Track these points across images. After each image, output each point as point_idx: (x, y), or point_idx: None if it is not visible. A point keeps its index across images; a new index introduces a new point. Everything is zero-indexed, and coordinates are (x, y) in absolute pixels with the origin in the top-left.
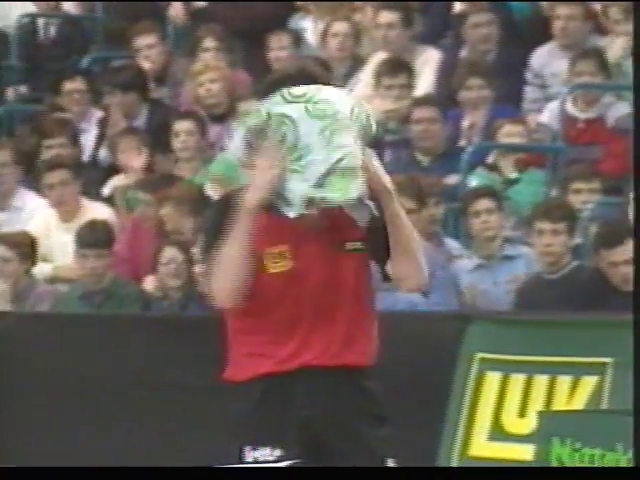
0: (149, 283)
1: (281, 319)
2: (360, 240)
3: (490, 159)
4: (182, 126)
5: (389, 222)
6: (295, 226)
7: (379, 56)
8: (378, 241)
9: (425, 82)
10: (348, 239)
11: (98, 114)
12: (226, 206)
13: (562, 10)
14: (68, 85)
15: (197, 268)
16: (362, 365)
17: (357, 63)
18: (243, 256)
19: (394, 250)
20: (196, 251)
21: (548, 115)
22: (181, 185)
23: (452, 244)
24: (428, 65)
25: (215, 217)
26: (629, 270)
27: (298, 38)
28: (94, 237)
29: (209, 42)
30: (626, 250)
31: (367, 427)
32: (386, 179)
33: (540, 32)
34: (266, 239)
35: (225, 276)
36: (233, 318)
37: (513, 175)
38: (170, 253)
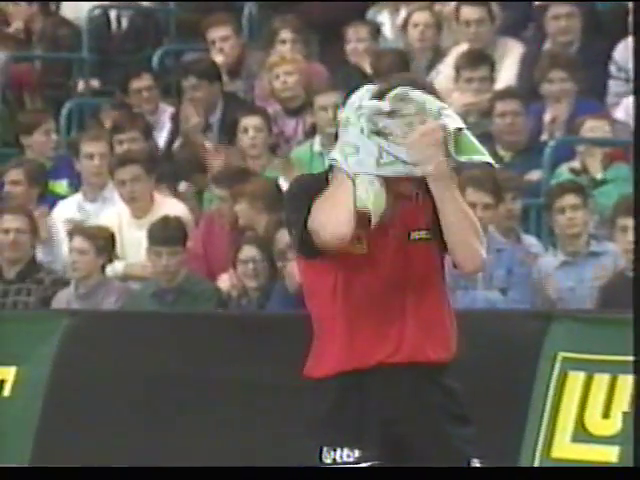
0: (224, 281)
1: (359, 306)
2: (426, 229)
3: (575, 157)
4: (249, 122)
5: (437, 204)
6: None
7: (460, 48)
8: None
9: (506, 75)
10: (413, 229)
11: (170, 109)
12: (307, 193)
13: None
14: (135, 83)
15: (278, 264)
16: (441, 361)
17: (438, 55)
18: (350, 202)
19: (446, 234)
20: (277, 248)
21: (624, 111)
22: (256, 180)
23: (531, 241)
24: (509, 57)
25: (300, 205)
26: None
27: (376, 30)
28: (167, 234)
29: (285, 34)
30: None
31: (450, 427)
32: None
33: (624, 24)
34: None
35: (334, 210)
36: (313, 299)
37: (599, 175)
38: (249, 252)
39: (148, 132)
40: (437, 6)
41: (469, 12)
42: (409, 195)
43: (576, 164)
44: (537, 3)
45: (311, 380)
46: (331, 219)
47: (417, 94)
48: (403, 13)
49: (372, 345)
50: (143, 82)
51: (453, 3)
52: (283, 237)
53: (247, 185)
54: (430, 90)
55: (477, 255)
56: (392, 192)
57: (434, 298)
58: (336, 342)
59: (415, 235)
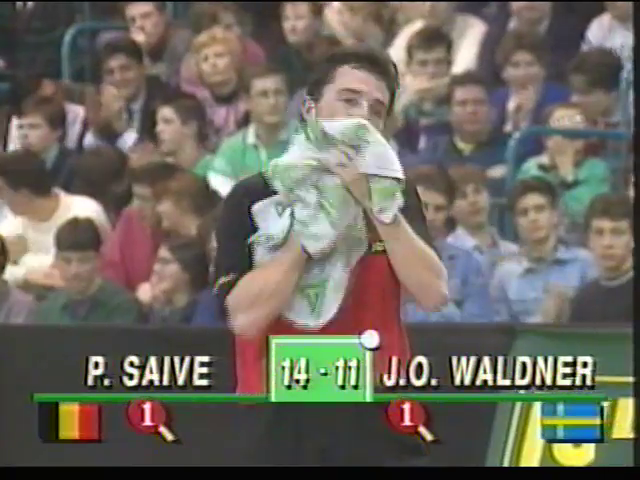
0: (145, 291)
1: None
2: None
3: (544, 151)
4: (166, 112)
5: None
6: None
7: (413, 26)
8: None
9: (465, 57)
10: (374, 239)
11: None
12: (241, 202)
13: None
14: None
15: (210, 270)
16: None
17: (387, 35)
18: (286, 288)
19: (397, 274)
20: (209, 251)
21: None
22: (181, 177)
23: (509, 247)
24: (469, 37)
25: (231, 216)
26: None
27: (317, 6)
28: (77, 237)
29: (215, 10)
30: None
31: (398, 458)
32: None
33: (597, 2)
34: None
35: (257, 305)
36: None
37: (570, 177)
38: (170, 254)
39: (56, 120)
40: None
41: None
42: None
43: (545, 159)
44: None
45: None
46: (249, 316)
47: (333, 126)
48: None
49: None
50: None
51: None
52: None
53: (171, 182)
54: (388, 66)
55: (435, 292)
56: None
57: (389, 314)
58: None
59: (376, 246)
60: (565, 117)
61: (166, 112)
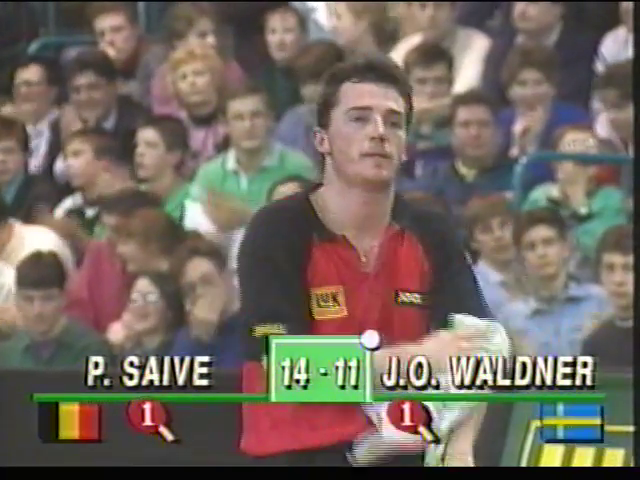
0: (115, 332)
1: None
2: (420, 293)
3: (553, 177)
4: (143, 135)
5: None
6: (351, 264)
7: (410, 40)
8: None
9: (468, 75)
10: (404, 289)
11: (51, 116)
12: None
13: None
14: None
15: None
16: None
17: (382, 49)
18: None
19: None
20: (184, 283)
21: (604, 125)
22: (147, 215)
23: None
24: (472, 53)
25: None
26: None
27: (304, 18)
28: (39, 273)
29: (191, 13)
30: None
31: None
32: None
33: (612, 12)
34: (317, 274)
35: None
36: (255, 379)
37: (584, 210)
38: (143, 286)
39: (25, 141)
40: None
41: None
42: (393, 234)
43: (554, 191)
44: None
45: (249, 457)
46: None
47: None
48: None
49: (333, 421)
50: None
51: None
52: (194, 267)
53: (134, 220)
54: (392, 70)
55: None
56: (369, 229)
57: None
58: (286, 414)
59: (406, 297)
60: (577, 141)
61: (150, 135)
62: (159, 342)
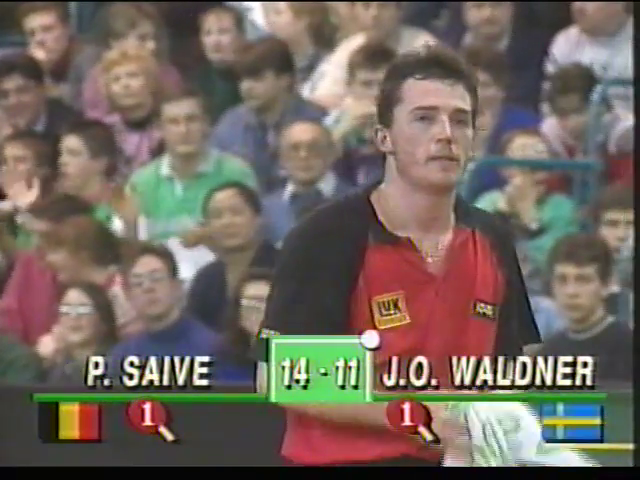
0: (46, 344)
1: None
2: (492, 304)
3: (502, 185)
4: (68, 142)
5: None
6: (415, 266)
7: (353, 41)
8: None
9: None
10: (481, 299)
11: None
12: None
13: None
14: None
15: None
16: None
17: (322, 50)
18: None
19: None
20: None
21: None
22: (78, 221)
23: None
24: None
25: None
26: None
27: (241, 18)
28: None
29: (133, 14)
30: None
31: None
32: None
33: (563, 10)
34: (375, 280)
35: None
36: None
37: (534, 225)
38: (74, 297)
39: None
40: None
41: None
42: (463, 237)
43: (502, 202)
44: None
45: (292, 464)
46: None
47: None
48: None
49: (394, 433)
50: None
51: None
52: (144, 263)
53: (65, 227)
54: (459, 64)
55: None
56: (434, 231)
57: None
58: (339, 428)
59: (480, 308)
60: (527, 146)
61: (73, 142)
62: (92, 355)
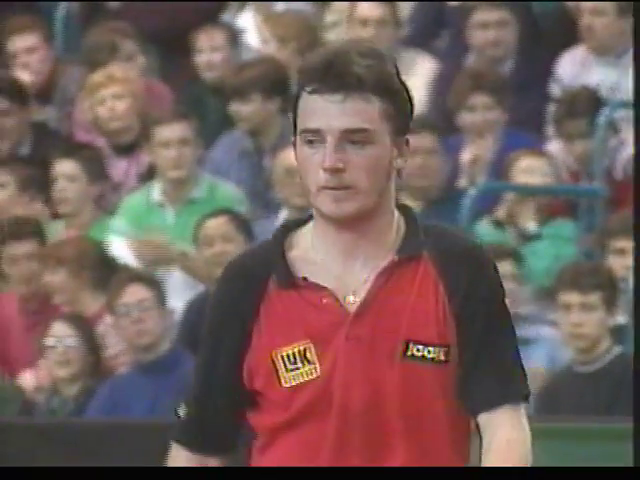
0: (29, 378)
1: (311, 444)
2: (438, 345)
3: (501, 208)
4: (61, 168)
5: None
6: (322, 309)
7: None
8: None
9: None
10: (412, 339)
11: None
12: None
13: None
14: None
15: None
16: None
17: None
18: None
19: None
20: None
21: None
22: (79, 241)
23: None
24: (416, 76)
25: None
26: None
27: (235, 35)
28: None
29: (112, 38)
30: None
31: None
32: None
33: (569, 29)
34: (275, 330)
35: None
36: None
37: (532, 228)
38: (61, 330)
39: None
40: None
41: (368, 7)
42: (390, 266)
43: (500, 212)
44: (453, 4)
45: None
46: None
47: None
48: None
49: None
50: None
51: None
52: (132, 292)
53: (65, 247)
54: (364, 71)
55: None
56: (354, 266)
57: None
58: None
59: (415, 350)
60: (532, 168)
61: (69, 167)
62: (78, 390)
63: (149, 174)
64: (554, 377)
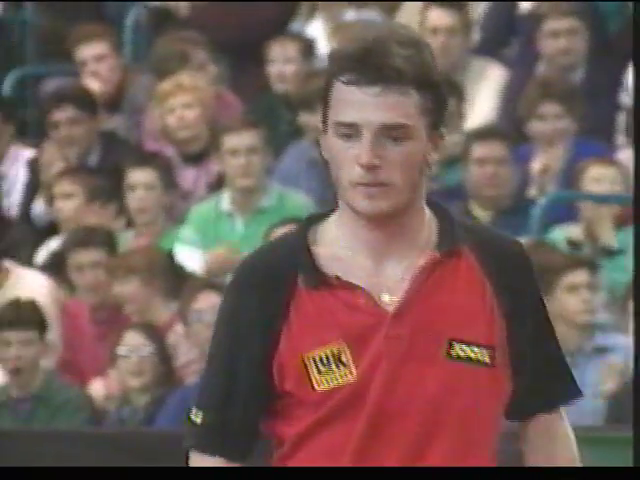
0: (98, 387)
1: (339, 448)
2: (484, 346)
3: (576, 217)
4: (138, 177)
5: None
6: (356, 308)
7: None
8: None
9: (482, 109)
10: (456, 338)
11: (27, 153)
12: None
13: None
14: None
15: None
16: None
17: None
18: None
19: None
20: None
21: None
22: (149, 251)
23: None
24: (486, 85)
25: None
26: None
27: (308, 46)
28: (18, 314)
29: (184, 48)
30: None
31: None
32: None
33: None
34: (307, 330)
35: None
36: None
37: (612, 242)
38: (134, 339)
39: None
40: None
41: (439, 16)
42: (432, 262)
43: (575, 232)
44: (523, 12)
45: None
46: None
47: None
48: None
49: None
50: None
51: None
52: (205, 297)
53: (136, 256)
54: (401, 63)
55: None
56: (388, 262)
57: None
58: None
59: (460, 349)
60: (602, 176)
61: (146, 176)
62: (149, 399)
63: (218, 183)
64: (627, 390)
